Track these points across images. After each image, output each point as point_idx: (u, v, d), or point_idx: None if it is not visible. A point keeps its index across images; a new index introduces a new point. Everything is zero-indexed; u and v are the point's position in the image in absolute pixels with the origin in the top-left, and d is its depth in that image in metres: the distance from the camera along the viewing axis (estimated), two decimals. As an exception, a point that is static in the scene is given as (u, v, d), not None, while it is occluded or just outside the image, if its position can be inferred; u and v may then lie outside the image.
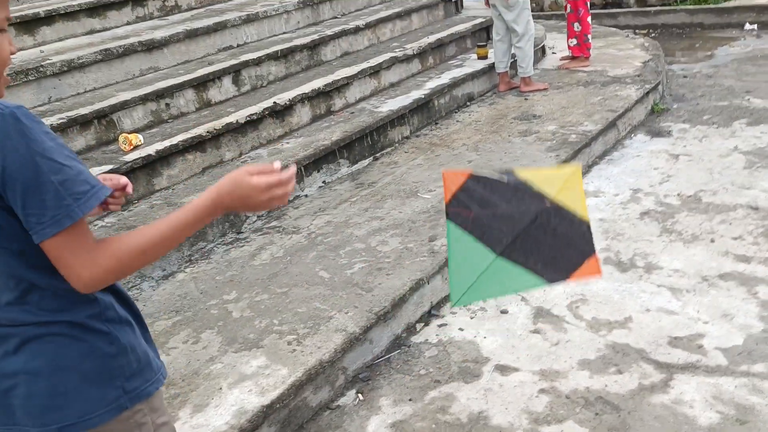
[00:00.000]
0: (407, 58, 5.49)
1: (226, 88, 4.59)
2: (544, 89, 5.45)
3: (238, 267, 3.32)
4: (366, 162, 4.49)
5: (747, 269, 3.07)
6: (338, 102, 4.89)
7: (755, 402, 2.31)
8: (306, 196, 4.09)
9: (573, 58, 6.11)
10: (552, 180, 1.56)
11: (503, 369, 2.66)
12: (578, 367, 2.61)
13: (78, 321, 1.27)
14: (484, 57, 5.77)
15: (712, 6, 8.17)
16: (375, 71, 5.17)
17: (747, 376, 2.44)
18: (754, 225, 3.44)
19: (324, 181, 4.24)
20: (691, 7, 8.36)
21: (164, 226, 1.20)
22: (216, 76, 4.51)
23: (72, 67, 4.19)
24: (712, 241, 3.35)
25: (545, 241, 1.58)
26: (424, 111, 5.02)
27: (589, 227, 1.58)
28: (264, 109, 4.31)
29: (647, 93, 5.21)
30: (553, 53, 6.62)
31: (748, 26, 7.60)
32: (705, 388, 2.41)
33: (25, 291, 1.22)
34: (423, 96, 4.99)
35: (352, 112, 4.81)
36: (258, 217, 3.84)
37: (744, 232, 3.39)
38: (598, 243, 3.46)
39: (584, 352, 2.69)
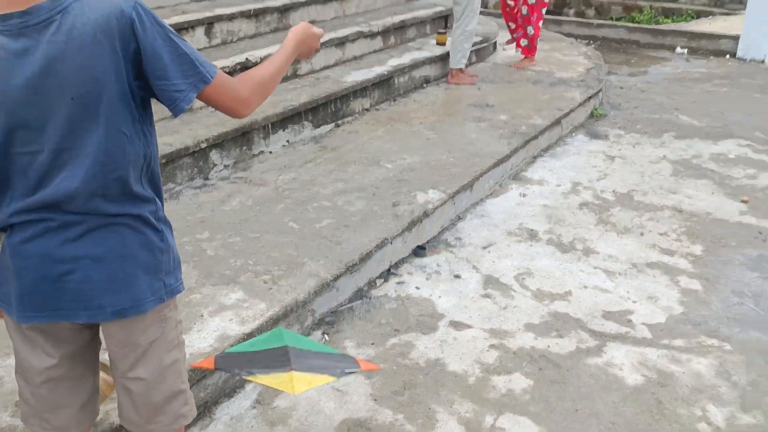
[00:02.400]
0: (371, 35, 5.67)
1: (198, 38, 4.65)
2: (471, 83, 5.72)
3: (208, 210, 3.44)
4: (329, 127, 4.67)
5: (671, 261, 3.47)
6: (304, 66, 5.03)
7: (674, 370, 2.67)
8: (270, 152, 4.23)
9: (524, 58, 6.46)
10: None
11: (457, 325, 2.93)
12: (524, 329, 2.91)
13: (141, 215, 1.44)
14: (443, 44, 6.02)
15: (649, 27, 8.74)
16: (341, 42, 5.34)
17: (668, 348, 2.80)
18: (678, 224, 3.85)
19: (288, 141, 4.38)
20: (630, 24, 8.90)
21: (276, 61, 1.60)
22: (190, 26, 4.56)
23: None
24: (642, 234, 3.74)
25: None
26: (384, 86, 5.23)
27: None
28: (236, 63, 4.40)
29: (589, 97, 5.61)
30: (503, 50, 6.95)
31: (679, 50, 8.19)
32: (632, 356, 2.75)
33: (130, 180, 1.39)
34: (385, 72, 5.20)
35: (317, 78, 4.96)
36: (224, 166, 3.95)
37: (669, 229, 3.80)
38: (542, 225, 3.80)
39: (529, 317, 2.99)
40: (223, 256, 3.00)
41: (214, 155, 3.87)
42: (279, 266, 2.93)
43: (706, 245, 3.63)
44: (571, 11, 14.13)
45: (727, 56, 7.99)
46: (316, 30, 1.77)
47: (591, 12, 13.79)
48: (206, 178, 3.81)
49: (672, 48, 8.30)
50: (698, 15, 12.91)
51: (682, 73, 7.25)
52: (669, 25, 8.84)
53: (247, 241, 3.14)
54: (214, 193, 3.64)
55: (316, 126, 4.58)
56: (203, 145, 3.76)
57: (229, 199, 3.58)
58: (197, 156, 3.75)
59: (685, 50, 8.15)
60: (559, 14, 14.21)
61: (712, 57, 7.98)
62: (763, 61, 7.86)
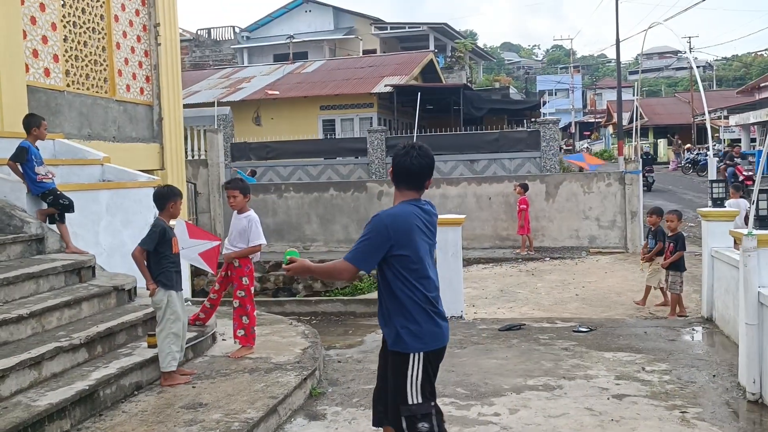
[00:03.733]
0: (73, 348, 5.43)
1: None
2: (186, 382, 5.70)
3: None
4: (16, 463, 4.18)
5: None
6: (-11, 394, 4.59)
7: None
8: None
9: (242, 346, 6.60)
10: None
11: None
12: None
13: None
14: (154, 346, 5.95)
15: (362, 297, 9.56)
16: (36, 362, 5.02)
17: None
18: (389, 501, 3.91)
19: (-39, 490, 3.83)
20: (345, 298, 9.66)
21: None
22: None
23: None
24: None
25: None
26: (87, 402, 4.92)
27: None
28: None
29: (305, 379, 5.79)
30: (223, 340, 7.05)
31: (390, 316, 8.97)
32: None
33: None
34: (87, 387, 4.93)
35: (6, 407, 4.53)
36: None
37: None
38: None
39: None
40: None
41: None
42: None
43: None
44: (300, 286, 15.06)
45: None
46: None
47: (318, 285, 14.83)
48: None
49: (384, 315, 9.07)
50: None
51: (393, 338, 7.88)
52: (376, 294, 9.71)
53: None
54: None
55: (0, 465, 4.08)
56: None
57: None
58: None
59: (396, 315, 8.95)
60: (290, 292, 15.04)
61: (418, 318, 8.84)
62: (461, 317, 8.87)
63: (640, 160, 21.06)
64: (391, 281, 3.50)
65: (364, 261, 3.45)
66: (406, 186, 3.60)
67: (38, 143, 7.45)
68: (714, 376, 6.11)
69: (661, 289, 9.42)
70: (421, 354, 3.50)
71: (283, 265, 3.69)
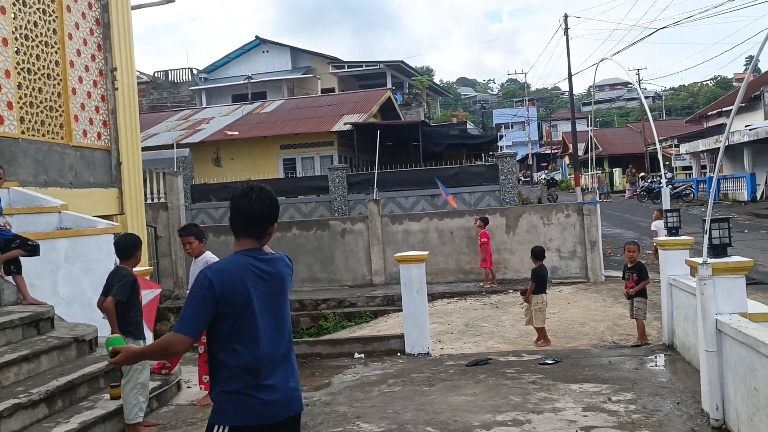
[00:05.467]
0: (33, 404, 5.29)
1: None
2: None
3: None
4: None
5: None
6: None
7: None
8: None
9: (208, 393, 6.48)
10: None
11: None
12: None
13: None
14: (117, 397, 5.82)
15: (328, 338, 9.50)
16: (-7, 420, 4.87)
17: None
18: None
19: None
20: (310, 339, 9.58)
21: None
22: None
23: None
24: None
25: None
26: (48, 461, 4.77)
27: None
28: None
29: (273, 425, 5.70)
30: (188, 387, 6.93)
31: (357, 355, 8.94)
32: None
33: None
34: (48, 445, 4.79)
35: (-39, 470, 4.38)
36: None
37: None
38: None
39: None
40: None
41: None
42: None
43: None
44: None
45: (398, 353, 8.90)
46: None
47: (283, 326, 14.63)
48: None
49: (351, 354, 9.03)
50: (376, 315, 14.45)
51: (361, 378, 7.84)
52: (343, 333, 9.69)
53: None
54: None
55: None
56: None
57: None
58: None
59: (362, 354, 8.93)
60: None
61: (385, 357, 8.82)
62: (428, 354, 8.88)
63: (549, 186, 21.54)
64: (212, 341, 3.01)
65: (192, 327, 2.93)
66: (244, 233, 3.12)
67: (-3, 193, 7.32)
68: (678, 403, 6.21)
69: (541, 329, 9.59)
70: (227, 428, 2.96)
71: (108, 359, 3.22)
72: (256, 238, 3.12)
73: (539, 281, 9.62)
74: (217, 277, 2.96)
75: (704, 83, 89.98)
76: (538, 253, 9.96)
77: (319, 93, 37.74)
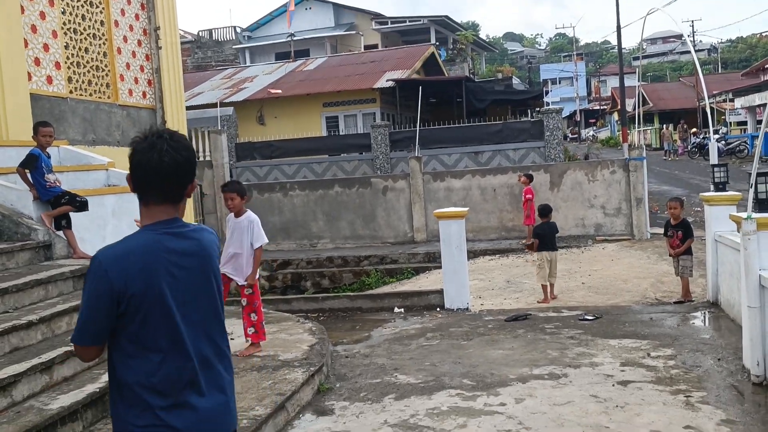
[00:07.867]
0: (83, 351, 5.52)
1: None
2: None
3: None
4: (30, 466, 4.27)
5: None
6: (2, 401, 4.68)
7: None
8: None
9: (252, 344, 6.67)
10: None
11: None
12: None
13: None
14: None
15: (368, 293, 9.63)
16: (47, 366, 5.11)
17: None
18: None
19: (-22, 493, 3.91)
20: (352, 294, 9.73)
21: None
22: None
23: None
24: None
25: None
26: (98, 404, 5.00)
27: None
28: None
29: (312, 375, 5.86)
30: (231, 339, 7.12)
31: (396, 309, 9.05)
32: None
33: None
34: (98, 389, 5.01)
35: (18, 412, 4.62)
36: None
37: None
38: None
39: None
40: None
41: None
42: None
43: None
44: (308, 283, 15.13)
45: (438, 309, 8.98)
46: None
47: (326, 282, 14.91)
48: None
49: (390, 309, 9.14)
50: (417, 271, 14.53)
51: (400, 332, 7.95)
52: (384, 289, 9.80)
53: None
54: None
55: (15, 468, 4.17)
56: None
57: None
58: None
59: (402, 309, 9.03)
60: (299, 290, 15.11)
61: (425, 312, 8.91)
62: (467, 309, 8.93)
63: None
64: (112, 352, 2.33)
65: (89, 334, 2.28)
66: (155, 197, 2.33)
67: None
68: (719, 359, 6.14)
69: (543, 286, 9.61)
70: None
71: None
72: (171, 202, 2.36)
73: (540, 239, 9.67)
74: (115, 267, 2.23)
75: (763, 35, 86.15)
76: (541, 211, 10.06)
77: (362, 50, 37.46)
